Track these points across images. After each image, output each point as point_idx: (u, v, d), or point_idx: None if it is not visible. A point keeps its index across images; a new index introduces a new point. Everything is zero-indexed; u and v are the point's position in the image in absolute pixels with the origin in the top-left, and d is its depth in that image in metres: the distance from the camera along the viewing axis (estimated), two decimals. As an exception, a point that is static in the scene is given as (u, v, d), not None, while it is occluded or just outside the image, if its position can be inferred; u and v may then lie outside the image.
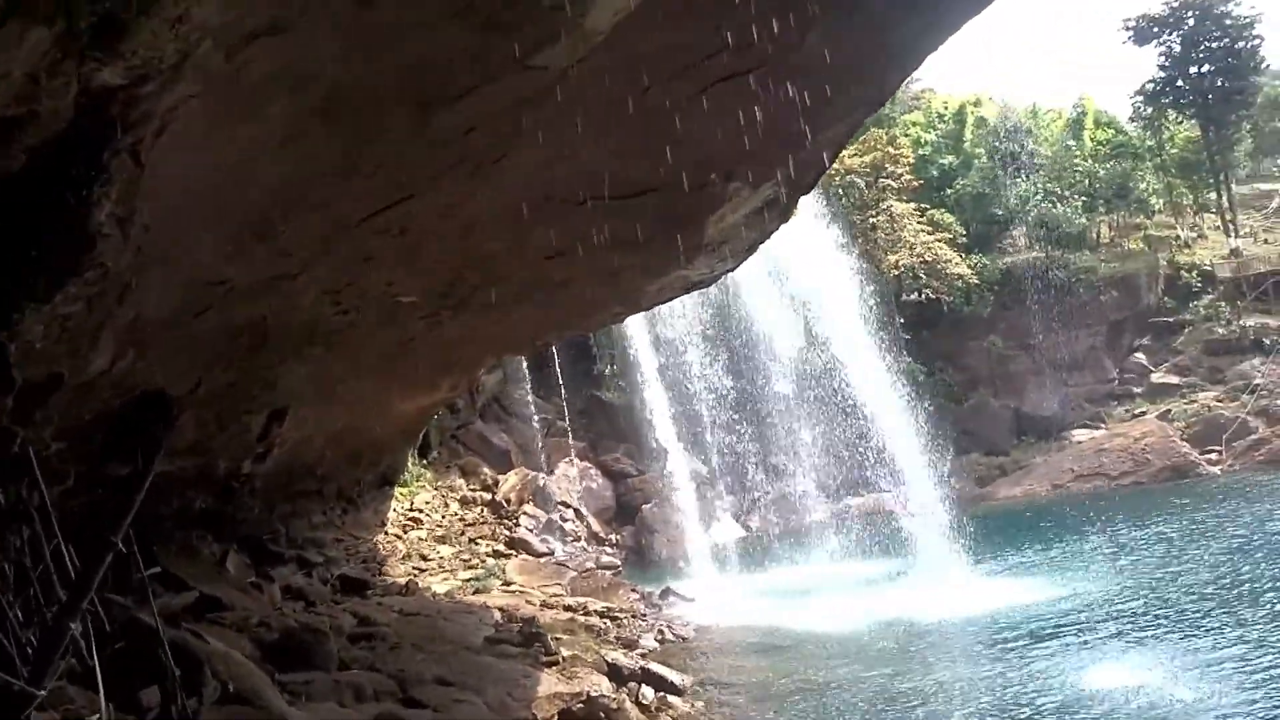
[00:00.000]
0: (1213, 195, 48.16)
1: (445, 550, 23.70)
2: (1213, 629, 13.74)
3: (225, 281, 7.53)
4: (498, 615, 15.30)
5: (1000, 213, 42.89)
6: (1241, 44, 42.66)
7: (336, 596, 15.61)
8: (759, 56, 6.09)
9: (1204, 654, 12.56)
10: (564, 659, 12.13)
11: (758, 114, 7.12)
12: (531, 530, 26.76)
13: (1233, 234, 44.22)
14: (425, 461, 28.76)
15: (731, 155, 8.79)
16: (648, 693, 12.07)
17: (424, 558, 22.06)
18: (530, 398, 30.68)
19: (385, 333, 11.75)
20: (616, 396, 35.24)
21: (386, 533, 23.00)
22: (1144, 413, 35.30)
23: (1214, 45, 42.94)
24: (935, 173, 43.75)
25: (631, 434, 33.70)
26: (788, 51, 6.02)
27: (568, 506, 30.35)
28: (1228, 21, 42.32)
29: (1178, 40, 43.71)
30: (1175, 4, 43.08)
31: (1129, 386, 38.25)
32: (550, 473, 30.84)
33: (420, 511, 26.06)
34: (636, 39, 5.43)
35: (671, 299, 16.96)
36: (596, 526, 30.66)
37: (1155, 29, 44.07)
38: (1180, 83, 44.63)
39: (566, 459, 32.36)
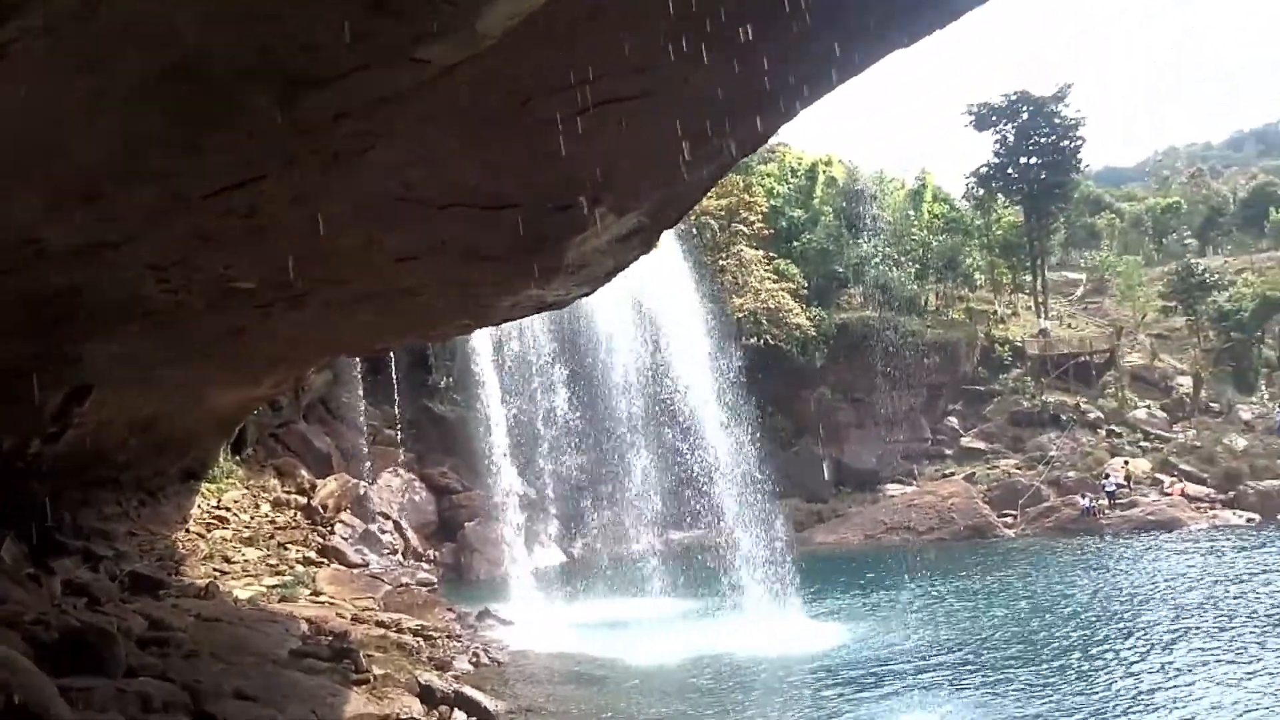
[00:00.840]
0: (1028, 277, 52.05)
1: (251, 553, 22.34)
2: (1019, 683, 14.57)
3: (38, 242, 6.83)
4: (305, 627, 14.50)
5: (841, 270, 44.75)
6: (1066, 142, 46.51)
7: (126, 595, 14.44)
8: (649, 84, 6.04)
9: (1012, 708, 13.28)
10: (375, 678, 11.59)
11: (637, 142, 7.07)
12: (347, 539, 25.67)
13: (1042, 315, 47.82)
14: (238, 458, 27.19)
15: (603, 180, 8.72)
16: (460, 717, 11.69)
17: (227, 560, 20.72)
18: (361, 403, 29.56)
19: (213, 318, 10.98)
20: (449, 410, 34.52)
21: (188, 530, 21.52)
22: (952, 473, 37.47)
23: (1042, 140, 46.61)
24: (784, 224, 45.23)
25: (460, 449, 33.01)
26: (678, 83, 5.99)
27: (387, 518, 29.39)
28: (1056, 120, 46.05)
29: (1012, 131, 47.20)
30: (1014, 97, 46.52)
31: (941, 447, 40.52)
32: (372, 482, 29.81)
33: (228, 510, 24.52)
34: (528, 48, 5.26)
35: (522, 317, 16.72)
36: (416, 541, 29.80)
37: (993, 118, 47.43)
38: (1010, 170, 48.16)
39: (390, 469, 31.39)
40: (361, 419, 29.75)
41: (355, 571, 23.17)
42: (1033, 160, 47.25)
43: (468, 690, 12.83)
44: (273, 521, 25.46)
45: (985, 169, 49.11)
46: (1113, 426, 40.08)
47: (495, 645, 17.41)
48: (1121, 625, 18.58)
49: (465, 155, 7.57)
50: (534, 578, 26.50)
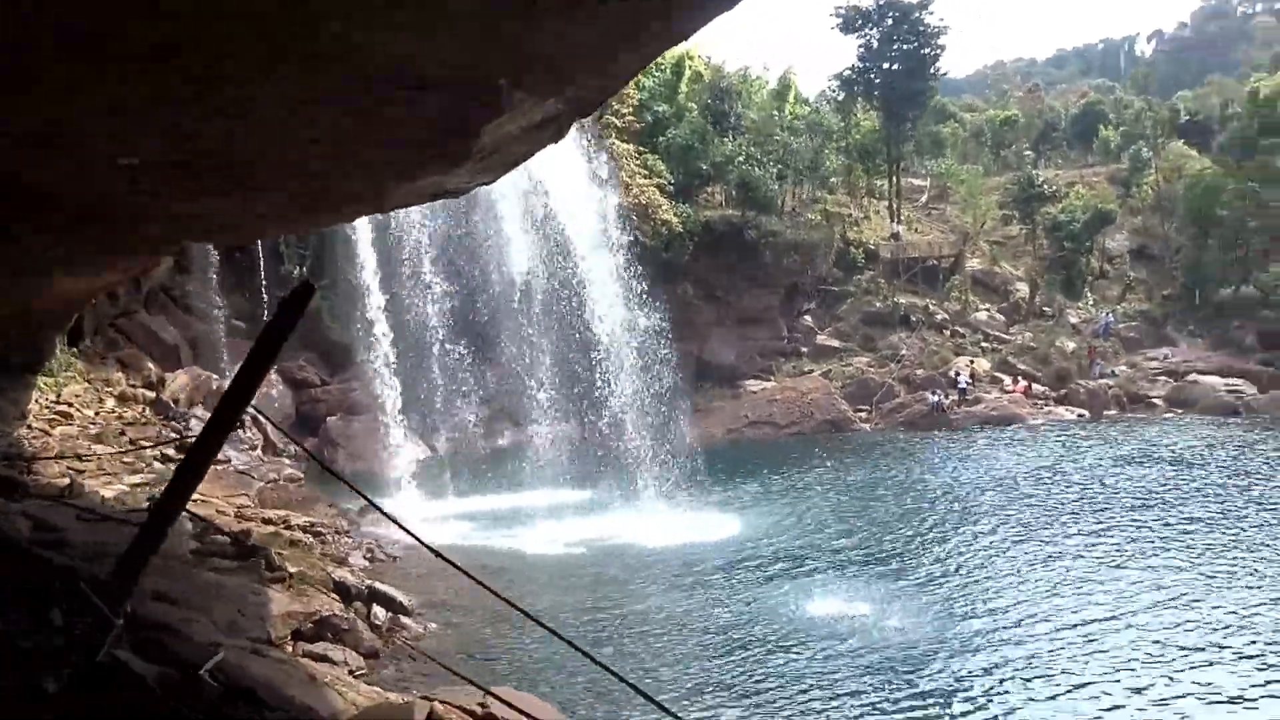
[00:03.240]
0: (879, 182, 53.56)
1: (103, 451, 20.85)
2: (898, 567, 15.37)
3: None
4: (189, 525, 13.61)
5: (705, 168, 44.63)
6: (926, 50, 47.49)
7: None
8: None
9: (897, 587, 14.02)
10: (290, 576, 11.03)
11: (571, 25, 6.62)
12: (205, 435, 24.27)
13: (896, 220, 49.49)
14: (76, 350, 25.12)
15: (529, 62, 8.12)
16: (379, 613, 11.34)
17: (79, 458, 19.15)
18: (214, 293, 27.67)
19: (80, 192, 9.78)
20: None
21: (30, 427, 19.78)
22: (811, 371, 38.75)
23: (905, 46, 47.40)
24: (650, 119, 44.63)
25: (318, 342, 31.64)
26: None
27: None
28: (921, 27, 46.86)
29: (877, 35, 47.75)
30: (881, 2, 46.95)
31: (797, 345, 41.72)
32: (225, 375, 28.15)
33: (70, 406, 22.67)
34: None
35: (419, 204, 15.84)
36: (274, 436, 28.51)
37: (860, 21, 47.81)
38: (872, 75, 48.88)
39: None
40: (217, 310, 27.88)
41: (219, 468, 22.02)
42: (894, 66, 48.06)
43: (380, 585, 12.46)
44: (120, 417, 23.75)
45: (849, 72, 49.66)
46: (957, 328, 42.37)
47: (386, 540, 16.95)
48: (979, 511, 19.96)
49: (408, 27, 6.82)
50: (406, 471, 25.95)
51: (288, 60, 6.21)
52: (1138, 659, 11.37)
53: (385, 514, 5.39)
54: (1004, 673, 11.06)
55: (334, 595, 11.43)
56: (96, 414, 23.16)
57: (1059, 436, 30.45)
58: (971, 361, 38.57)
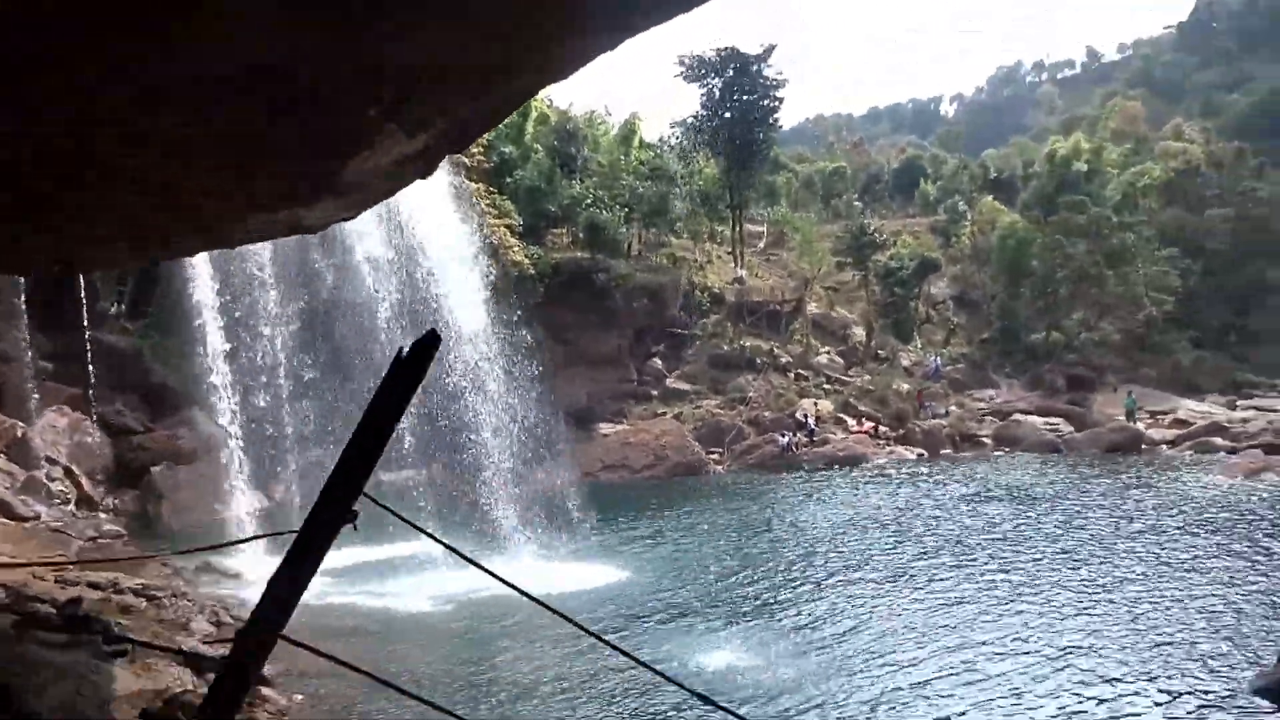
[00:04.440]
0: (720, 228, 54.86)
1: (-117, 509, 18.30)
2: (780, 611, 15.22)
3: None
4: (1, 594, 11.92)
5: (553, 209, 44.47)
6: (766, 101, 49.21)
7: None
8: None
9: (784, 633, 13.83)
10: (132, 648, 9.69)
11: (447, 53, 6.21)
12: (8, 489, 21.77)
13: (739, 265, 50.69)
14: None
15: (401, 92, 7.59)
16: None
17: None
18: (23, 333, 25.03)
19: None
20: (121, 339, 30.35)
21: None
22: (663, 413, 38.84)
23: (746, 97, 48.96)
24: (497, 159, 44.14)
25: (139, 384, 29.21)
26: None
27: (55, 463, 25.28)
28: (761, 79, 48.55)
29: (719, 85, 49.11)
30: (723, 53, 48.35)
31: (647, 388, 41.81)
32: (32, 422, 25.44)
33: None
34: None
35: (272, 238, 14.75)
36: (89, 488, 25.94)
37: (703, 71, 49.07)
38: (714, 123, 50.18)
39: (55, 408, 26.97)
40: (23, 349, 25.19)
41: (29, 526, 19.70)
42: (735, 115, 49.50)
43: (233, 655, 11.17)
44: (-97, 469, 21.02)
45: (691, 120, 50.81)
46: (800, 370, 43.59)
47: (231, 602, 15.44)
48: (846, 550, 20.25)
49: (275, 36, 6.16)
50: (237, 526, 24.04)
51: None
52: (1021, 687, 11.61)
53: (465, 557, 4.55)
54: (900, 709, 11.03)
55: (185, 668, 10.13)
56: (-128, 466, 20.42)
57: (903, 475, 31.58)
58: (816, 403, 39.66)
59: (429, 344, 3.32)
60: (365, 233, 21.95)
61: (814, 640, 13.63)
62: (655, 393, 41.69)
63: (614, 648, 4.18)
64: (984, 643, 13.35)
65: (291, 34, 6.31)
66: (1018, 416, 40.26)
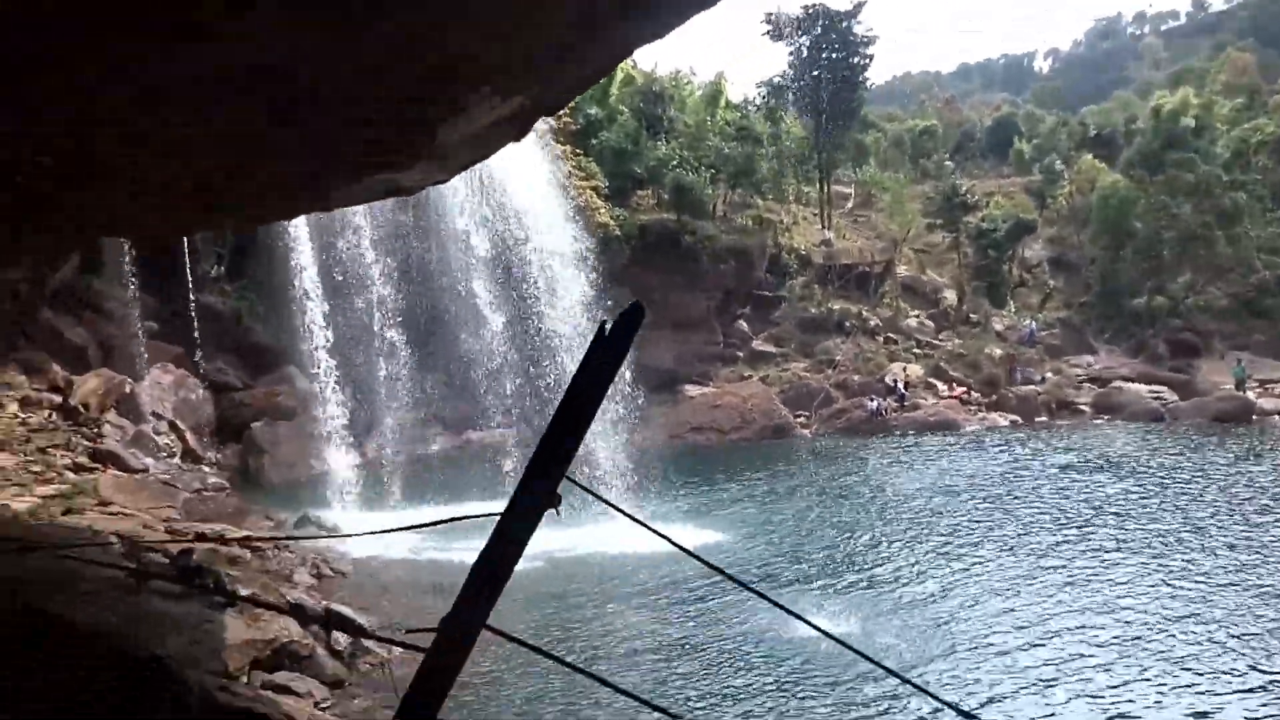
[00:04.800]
0: (807, 189, 53.79)
1: (6, 459, 19.15)
2: (875, 579, 14.89)
3: None
4: (117, 543, 12.35)
5: (639, 171, 44.12)
6: (856, 59, 47.87)
7: None
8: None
9: (879, 601, 13.51)
10: (240, 599, 9.94)
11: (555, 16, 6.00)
12: (119, 443, 22.69)
13: (827, 226, 49.71)
14: (-30, 352, 23.28)
15: (494, 58, 7.39)
16: (340, 637, 10.33)
17: (-15, 469, 17.57)
18: (130, 293, 25.95)
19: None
20: (220, 300, 31.21)
21: (-77, 435, 18.08)
22: (749, 376, 38.48)
23: (834, 55, 47.69)
24: (583, 121, 43.90)
25: (238, 345, 30.06)
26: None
27: (160, 418, 26.25)
28: (850, 36, 47.20)
29: (807, 44, 47.92)
30: (810, 10, 47.10)
31: (733, 350, 41.43)
32: (140, 379, 26.42)
33: (-33, 411, 20.92)
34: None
35: (368, 202, 14.88)
36: (194, 442, 26.87)
37: (790, 29, 47.91)
38: (802, 82, 49.06)
39: (160, 365, 27.95)
40: (130, 310, 26.13)
41: (139, 478, 20.47)
42: (824, 74, 48.30)
43: (337, 606, 11.44)
44: (24, 423, 21.96)
45: (778, 79, 49.74)
46: (889, 334, 42.66)
47: (331, 555, 15.81)
48: (943, 517, 19.70)
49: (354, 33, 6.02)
50: (339, 481, 24.63)
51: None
52: (1136, 669, 11.10)
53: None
54: (1004, 685, 10.66)
55: (289, 618, 10.38)
56: (-3, 420, 21.39)
57: (998, 442, 30.68)
58: (905, 367, 38.80)
59: (633, 317, 3.07)
60: (459, 195, 22.03)
61: (913, 610, 13.29)
62: (742, 355, 41.30)
63: (770, 601, 3.99)
64: (1103, 628, 12.52)
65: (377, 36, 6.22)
66: (1118, 384, 38.68)
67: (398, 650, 11.12)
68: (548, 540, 17.00)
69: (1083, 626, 12.59)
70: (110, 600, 8.46)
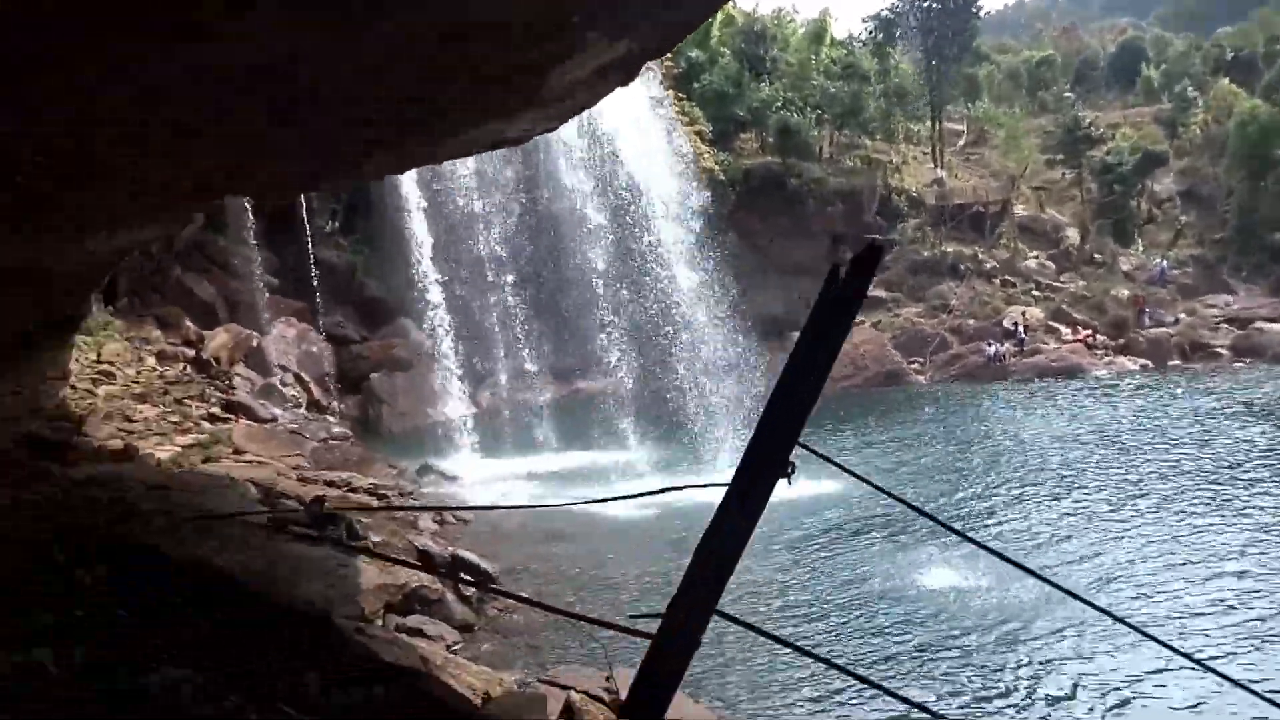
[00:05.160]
0: (917, 127, 51.83)
1: (149, 410, 20.13)
2: (1003, 530, 14.37)
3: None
4: (253, 490, 12.83)
5: (742, 113, 43.20)
6: (968, -10, 45.59)
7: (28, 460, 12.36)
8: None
9: (1008, 553, 12.99)
10: (371, 545, 10.20)
11: None
12: (249, 394, 23.64)
13: (938, 165, 47.91)
14: (112, 308, 24.47)
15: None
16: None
17: (128, 419, 18.48)
18: (253, 250, 26.83)
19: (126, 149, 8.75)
20: (335, 255, 32.01)
21: (74, 387, 19.05)
22: (861, 321, 37.57)
23: (945, -13, 45.54)
24: (684, 65, 43.14)
25: (353, 298, 30.85)
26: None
27: (286, 370, 27.22)
28: (961, -33, 44.95)
29: (916, -25, 45.87)
30: (920, -61, 45.01)
31: (842, 296, 40.45)
32: (266, 333, 27.42)
33: (111, 364, 21.99)
34: None
35: (474, 154, 14.83)
36: (318, 393, 27.81)
37: (898, -41, 45.90)
38: (911, 15, 47.03)
39: (283, 319, 28.93)
40: (254, 267, 27.05)
41: (268, 427, 21.30)
42: (934, 5, 46.22)
43: (462, 553, 11.63)
44: (162, 376, 23.06)
45: (886, 13, 47.84)
46: (1007, 276, 41.02)
47: (453, 502, 16.14)
48: (1079, 468, 18.79)
49: None
50: (451, 430, 25.14)
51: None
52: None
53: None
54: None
55: (418, 564, 10.60)
56: (138, 373, 22.47)
57: (1128, 387, 29.25)
58: (1025, 311, 37.28)
59: (871, 257, 2.69)
60: (568, 145, 21.91)
61: (1044, 564, 12.72)
62: (850, 301, 40.31)
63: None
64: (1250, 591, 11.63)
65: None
66: (1259, 324, 36.28)
67: (523, 593, 11.27)
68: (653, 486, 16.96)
69: (1219, 581, 11.85)
70: (252, 545, 8.72)
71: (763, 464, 2.54)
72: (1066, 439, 21.43)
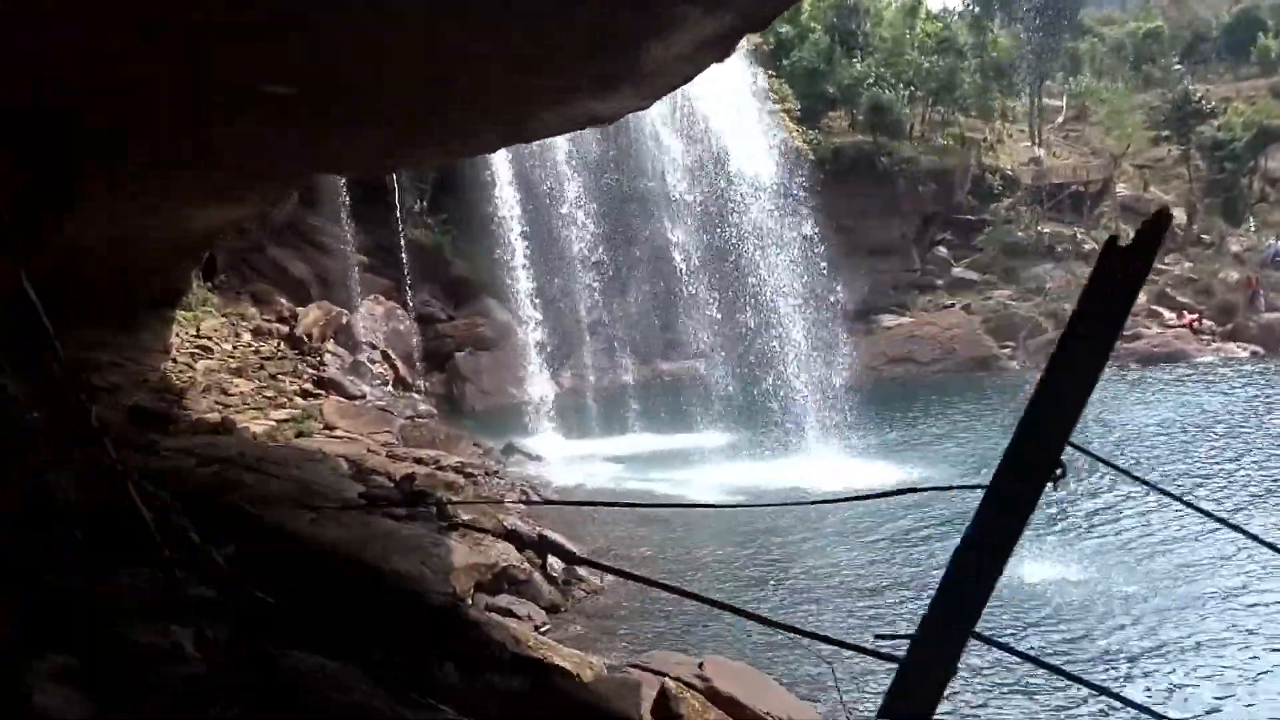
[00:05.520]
0: (1013, 103, 50.03)
1: (244, 385, 20.70)
2: (1105, 523, 13.78)
3: None
4: (344, 465, 12.99)
5: (832, 91, 42.27)
6: (1072, -40, 43.70)
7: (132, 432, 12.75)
8: None
9: (1111, 547, 12.48)
10: (461, 523, 10.22)
11: None
12: (339, 370, 24.10)
13: (1036, 143, 46.26)
14: (210, 285, 25.16)
15: None
16: (555, 563, 10.45)
17: (225, 393, 19.01)
18: (344, 228, 27.29)
19: (222, 129, 8.87)
20: (423, 234, 32.40)
21: (175, 361, 19.69)
22: (951, 305, 36.62)
23: (1048, -43, 43.74)
24: (773, 41, 42.36)
25: (439, 277, 31.19)
26: None
27: (374, 348, 27.70)
28: (1065, -64, 43.10)
29: (1016, -54, 44.17)
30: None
31: (931, 278, 39.49)
32: (354, 310, 27.92)
33: (209, 340, 22.67)
34: None
35: (564, 133, 14.72)
36: (404, 371, 28.26)
37: (999, -73, 44.26)
38: (1012, -14, 45.41)
39: (372, 297, 29.43)
40: (345, 245, 27.54)
41: (358, 404, 21.69)
42: (1036, -25, 44.55)
43: (549, 533, 11.60)
44: (257, 351, 23.68)
45: (986, -15, 46.24)
46: (1107, 258, 39.37)
47: (537, 481, 16.17)
48: (1177, 459, 17.97)
49: None
50: (543, 408, 25.26)
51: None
52: None
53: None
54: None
55: (507, 544, 10.59)
56: (234, 348, 23.10)
57: (1239, 375, 27.82)
58: (1126, 294, 35.73)
59: (1156, 227, 2.39)
60: (659, 123, 21.69)
61: (1151, 560, 12.14)
62: (941, 283, 39.31)
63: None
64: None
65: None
66: (1386, 310, 34.28)
67: (609, 579, 11.21)
68: (742, 475, 16.76)
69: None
70: (346, 520, 8.79)
71: (1030, 466, 2.25)
72: (1167, 428, 20.38)
